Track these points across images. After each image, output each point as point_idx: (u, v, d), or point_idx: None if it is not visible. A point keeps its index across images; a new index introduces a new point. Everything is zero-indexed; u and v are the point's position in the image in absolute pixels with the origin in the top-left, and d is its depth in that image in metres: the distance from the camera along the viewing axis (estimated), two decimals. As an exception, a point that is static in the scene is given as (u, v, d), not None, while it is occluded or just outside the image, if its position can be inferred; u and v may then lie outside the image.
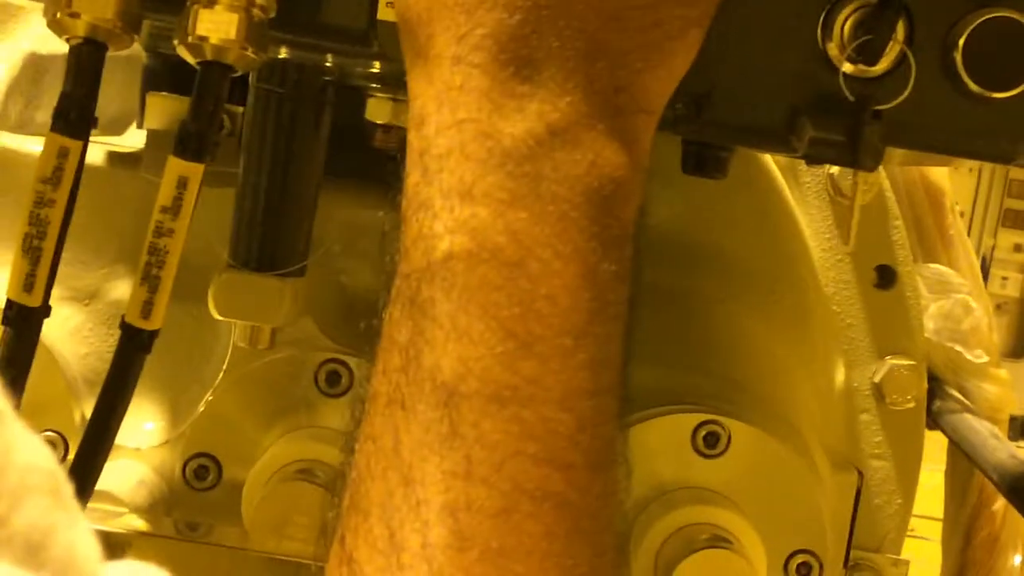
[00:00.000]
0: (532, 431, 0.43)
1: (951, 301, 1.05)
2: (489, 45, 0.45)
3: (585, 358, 0.44)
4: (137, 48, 0.87)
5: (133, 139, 0.89)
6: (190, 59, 0.53)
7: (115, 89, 0.94)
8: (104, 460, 0.55)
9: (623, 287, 0.46)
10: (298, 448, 0.72)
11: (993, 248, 6.51)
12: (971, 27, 0.61)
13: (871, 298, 1.00)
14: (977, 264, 1.08)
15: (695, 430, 0.76)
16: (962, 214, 6.56)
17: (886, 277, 1.00)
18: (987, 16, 0.61)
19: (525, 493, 0.43)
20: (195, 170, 0.53)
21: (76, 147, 0.53)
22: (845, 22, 0.61)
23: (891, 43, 0.60)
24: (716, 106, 0.62)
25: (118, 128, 0.93)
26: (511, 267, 0.43)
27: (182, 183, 0.53)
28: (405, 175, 0.46)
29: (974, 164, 6.55)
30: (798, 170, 1.00)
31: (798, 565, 0.76)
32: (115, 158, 0.80)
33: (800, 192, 1.01)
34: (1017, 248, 6.52)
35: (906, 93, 0.59)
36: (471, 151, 0.44)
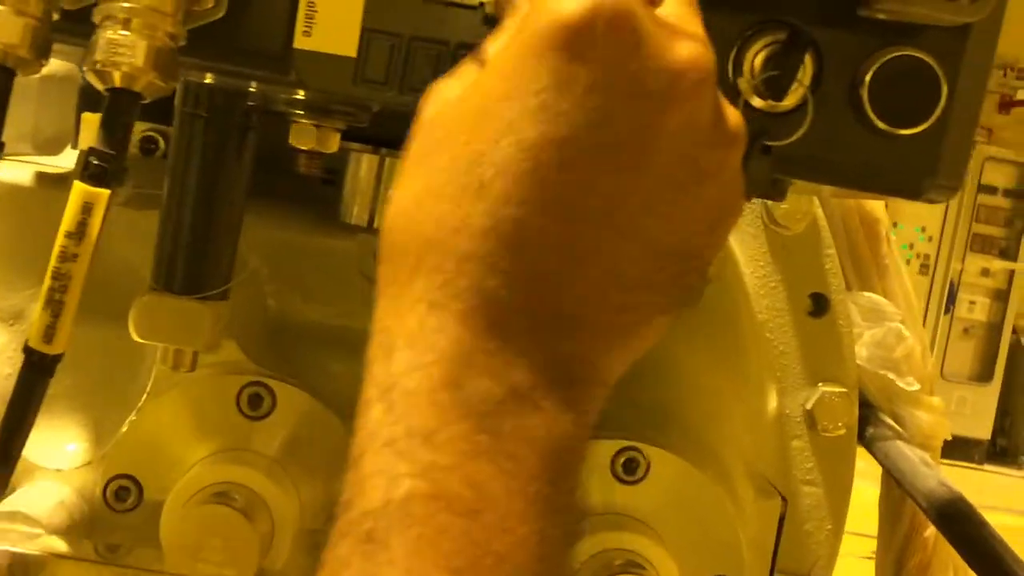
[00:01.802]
0: None
1: (884, 329, 1.06)
2: (468, 298, 0.46)
3: None
4: (74, 68, 0.88)
5: (70, 159, 0.89)
6: (98, 85, 0.54)
7: (53, 110, 0.95)
8: (5, 483, 0.55)
9: (567, 552, 0.46)
10: (217, 471, 0.73)
11: (961, 272, 6.55)
12: (877, 65, 0.62)
13: (804, 326, 1.01)
14: (912, 293, 1.09)
15: (615, 456, 0.76)
16: (931, 239, 6.60)
17: (819, 305, 1.01)
18: (893, 55, 0.62)
19: None
20: (100, 196, 0.54)
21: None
22: (755, 57, 0.62)
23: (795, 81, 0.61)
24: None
25: (55, 148, 0.93)
26: (467, 518, 0.43)
27: (87, 208, 0.54)
28: (363, 403, 0.47)
29: (942, 188, 6.56)
30: (732, 195, 1.01)
31: (715, 591, 0.77)
32: (44, 178, 0.80)
33: (734, 219, 1.01)
34: (984, 272, 6.56)
35: (802, 131, 0.61)
36: (438, 398, 0.44)
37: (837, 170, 0.64)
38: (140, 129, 0.85)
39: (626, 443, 0.77)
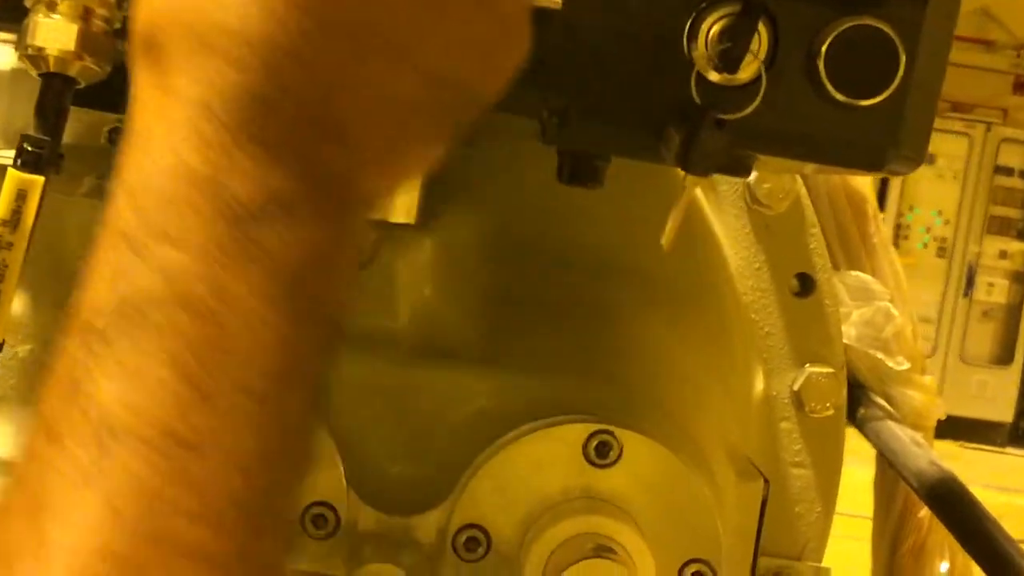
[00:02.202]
0: (193, 485, 0.41)
1: (872, 308, 1.05)
2: (236, 98, 0.44)
3: (268, 422, 0.43)
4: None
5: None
6: (31, 70, 0.53)
7: (25, 102, 0.94)
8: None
9: (319, 363, 0.45)
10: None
11: (979, 255, 6.52)
12: (833, 35, 0.61)
13: (790, 306, 1.00)
14: (901, 271, 1.07)
15: (587, 440, 0.76)
16: (947, 222, 6.57)
17: (804, 285, 1.00)
18: (849, 24, 0.61)
19: (173, 550, 0.40)
20: (35, 183, 0.53)
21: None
22: (710, 29, 0.61)
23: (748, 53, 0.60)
24: (578, 117, 0.62)
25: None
26: (205, 319, 0.42)
27: (21, 196, 0.53)
28: (111, 197, 0.44)
29: (958, 171, 6.56)
30: (715, 178, 1.00)
31: (692, 574, 0.76)
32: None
33: (717, 199, 1.01)
34: (1003, 255, 6.53)
35: (754, 104, 0.59)
36: (190, 196, 0.43)
37: (796, 143, 0.63)
38: (110, 119, 0.84)
39: (598, 426, 0.76)
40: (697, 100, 0.60)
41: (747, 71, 0.61)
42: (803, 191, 1.00)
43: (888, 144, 0.63)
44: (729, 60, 0.60)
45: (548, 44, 0.60)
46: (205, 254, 0.42)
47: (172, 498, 0.40)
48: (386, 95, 0.47)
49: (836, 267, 1.07)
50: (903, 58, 0.61)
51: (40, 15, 0.52)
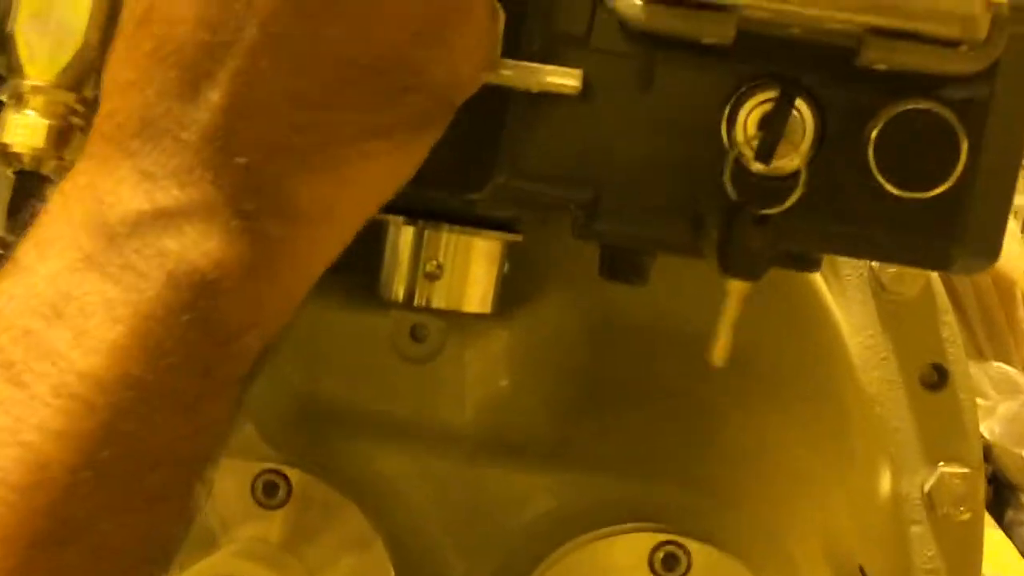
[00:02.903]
0: None
1: (1019, 402, 0.97)
2: (122, 117, 0.44)
3: (80, 429, 0.41)
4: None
5: None
6: (3, 168, 0.52)
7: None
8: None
9: (181, 380, 0.43)
10: (220, 564, 0.69)
11: None
12: (884, 121, 0.55)
13: (920, 400, 0.93)
14: (1054, 361, 0.99)
15: (653, 551, 0.70)
16: None
17: (937, 376, 0.93)
18: (902, 108, 0.55)
19: None
20: None
21: None
22: (749, 115, 0.56)
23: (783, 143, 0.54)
24: (608, 211, 0.58)
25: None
26: (46, 322, 0.41)
27: None
28: None
29: None
30: (836, 262, 0.94)
31: None
32: None
33: (839, 285, 0.94)
34: None
35: (793, 198, 0.54)
36: (70, 206, 0.43)
37: (847, 240, 0.58)
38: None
39: (666, 536, 0.70)
40: (732, 194, 0.55)
41: (787, 161, 0.55)
42: (935, 275, 0.92)
43: (952, 241, 0.57)
44: (764, 149, 0.55)
45: (569, 132, 0.56)
46: (69, 263, 0.42)
47: None
48: (291, 89, 0.44)
49: (981, 356, 0.99)
50: (964, 144, 0.55)
51: (11, 111, 0.51)
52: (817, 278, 0.91)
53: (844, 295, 0.94)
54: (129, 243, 0.42)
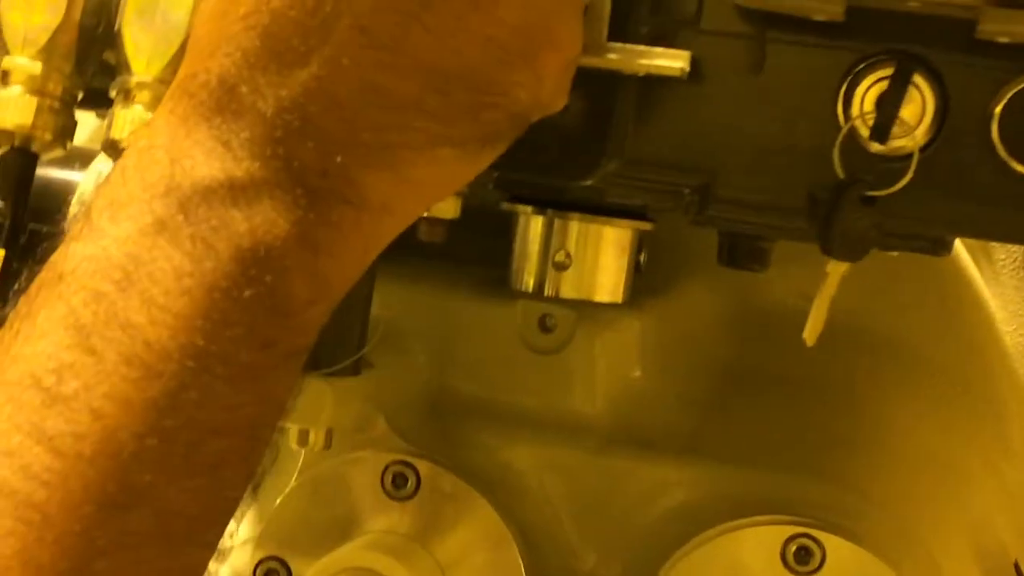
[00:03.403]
0: (42, 438, 0.41)
1: None
2: (204, 78, 0.44)
3: (144, 397, 0.42)
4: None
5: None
6: None
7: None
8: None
9: (244, 352, 0.43)
10: (351, 557, 0.70)
11: None
12: (1009, 96, 0.53)
13: (1081, 387, 0.89)
14: None
15: (786, 543, 0.69)
16: None
17: (1100, 363, 0.89)
18: (1027, 83, 0.52)
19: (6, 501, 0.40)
20: None
21: None
22: (865, 94, 0.54)
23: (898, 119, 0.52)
24: (722, 194, 0.56)
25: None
26: (116, 288, 0.42)
27: None
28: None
29: None
30: (990, 246, 0.90)
31: None
32: None
33: (992, 270, 0.91)
34: None
35: (906, 178, 0.52)
36: (146, 172, 0.43)
37: (975, 221, 0.55)
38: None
39: (799, 529, 0.68)
40: (840, 173, 0.53)
41: (907, 140, 0.54)
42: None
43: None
44: (879, 128, 0.53)
45: (681, 116, 0.55)
46: (140, 227, 0.42)
47: (27, 449, 0.40)
48: (375, 89, 0.45)
49: None
50: (1094, 119, 0.52)
51: (119, 107, 0.52)
52: (968, 263, 0.88)
53: (997, 280, 0.91)
54: (199, 212, 0.43)
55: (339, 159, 0.44)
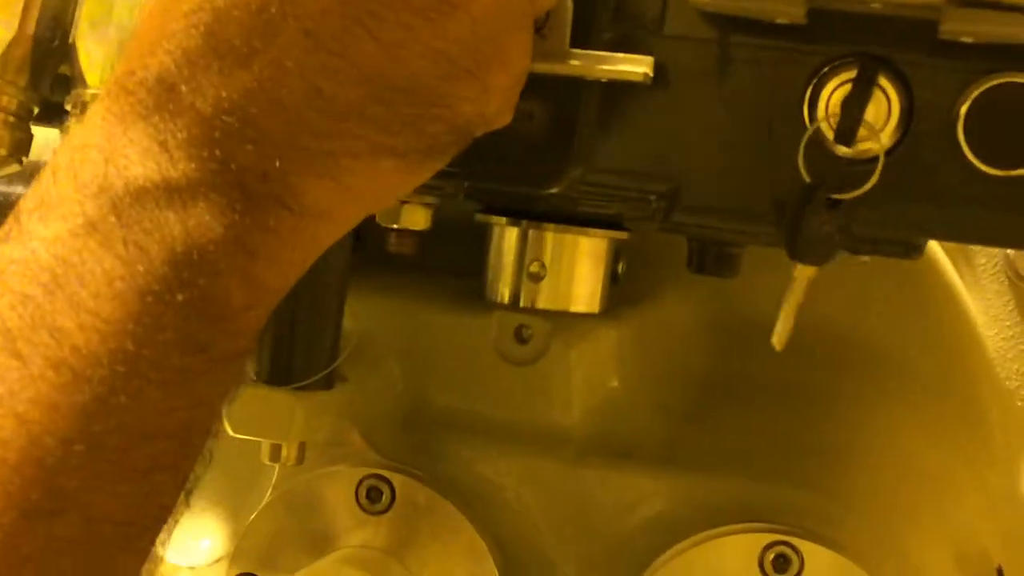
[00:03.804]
0: None
1: None
2: (142, 75, 0.44)
3: (68, 401, 0.41)
4: None
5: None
6: None
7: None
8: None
9: (176, 356, 0.43)
10: (326, 572, 0.69)
11: None
12: (973, 96, 0.52)
13: (1067, 391, 0.88)
14: None
15: (764, 551, 0.68)
16: None
17: (1082, 367, 0.89)
18: (994, 83, 0.52)
19: None
20: None
21: None
22: (830, 96, 0.54)
23: (863, 122, 0.52)
24: (688, 200, 0.56)
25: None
26: (44, 290, 0.41)
27: None
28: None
29: None
30: (970, 250, 0.90)
31: None
32: None
33: (973, 275, 0.91)
34: None
35: (871, 181, 0.51)
36: (80, 171, 0.43)
37: (939, 222, 0.55)
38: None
39: (777, 536, 0.68)
40: (805, 177, 0.53)
41: (872, 143, 0.53)
42: (1075, 258, 0.88)
43: (1051, 219, 0.53)
44: (844, 131, 0.52)
45: (646, 122, 0.55)
46: (71, 228, 0.42)
47: None
48: (318, 95, 0.44)
49: None
50: (1061, 118, 0.51)
51: (75, 120, 0.51)
52: (947, 266, 0.88)
53: (978, 285, 0.90)
54: (132, 213, 0.42)
55: (278, 163, 0.44)
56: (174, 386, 0.43)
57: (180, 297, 0.42)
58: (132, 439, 0.42)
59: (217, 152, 0.43)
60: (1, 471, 0.40)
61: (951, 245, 0.88)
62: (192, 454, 0.45)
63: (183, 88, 0.43)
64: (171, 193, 0.42)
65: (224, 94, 0.43)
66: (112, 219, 0.42)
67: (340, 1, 0.43)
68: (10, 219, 0.43)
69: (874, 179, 0.51)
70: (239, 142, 0.43)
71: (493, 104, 0.49)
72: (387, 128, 0.45)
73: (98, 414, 0.41)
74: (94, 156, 0.43)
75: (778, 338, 0.55)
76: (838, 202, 0.52)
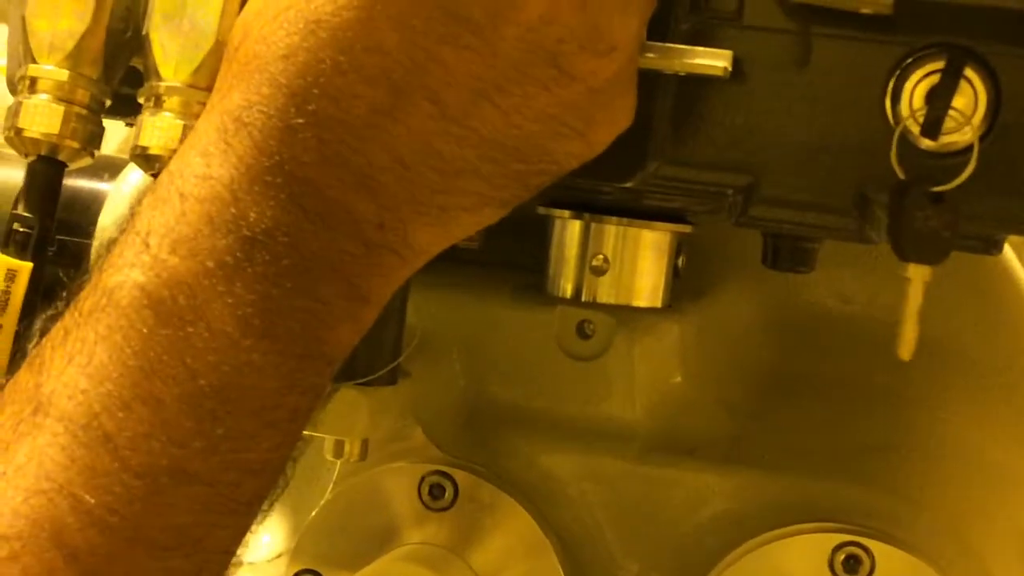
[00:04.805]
0: (97, 485, 0.41)
1: None
2: (271, 125, 0.44)
3: (192, 441, 0.42)
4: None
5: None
6: (19, 151, 0.52)
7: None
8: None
9: (290, 398, 0.45)
10: (388, 569, 0.69)
11: None
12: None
13: None
14: None
15: (834, 551, 0.67)
16: None
17: None
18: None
19: (51, 540, 0.40)
20: (23, 267, 0.52)
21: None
22: (914, 89, 0.52)
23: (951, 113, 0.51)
24: (767, 194, 0.55)
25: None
26: (170, 326, 0.42)
27: (10, 276, 0.52)
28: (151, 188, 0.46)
29: None
30: (1033, 241, 0.88)
31: None
32: None
33: (1038, 266, 0.89)
34: None
35: (965, 174, 0.50)
36: (206, 208, 0.43)
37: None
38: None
39: (847, 537, 0.67)
40: (900, 173, 0.52)
41: (959, 135, 0.52)
42: None
43: None
44: (931, 123, 0.51)
45: (724, 115, 0.54)
46: (198, 265, 0.43)
47: (69, 491, 0.41)
48: (434, 153, 0.46)
49: None
50: None
51: (147, 113, 0.50)
52: (1014, 263, 0.86)
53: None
54: (258, 258, 0.44)
55: (394, 215, 0.46)
56: (283, 424, 0.45)
57: (299, 350, 0.44)
58: (243, 476, 0.44)
59: (336, 205, 0.44)
60: (128, 510, 0.41)
61: (1015, 238, 0.86)
62: (282, 482, 0.48)
63: (308, 139, 0.44)
64: (293, 242, 0.44)
65: (347, 146, 0.45)
66: (241, 257, 0.43)
67: (468, 75, 0.45)
68: (132, 236, 0.44)
69: (970, 168, 0.50)
70: (359, 194, 0.45)
71: (595, 153, 0.51)
72: (496, 184, 0.48)
73: (216, 450, 0.43)
74: (221, 193, 0.44)
75: (905, 347, 0.53)
76: (940, 196, 0.50)
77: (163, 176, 0.45)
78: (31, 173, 0.52)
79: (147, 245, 0.43)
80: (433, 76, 0.45)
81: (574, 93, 0.47)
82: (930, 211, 0.51)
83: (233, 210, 0.43)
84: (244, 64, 0.45)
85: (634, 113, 0.51)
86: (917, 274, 0.52)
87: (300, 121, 0.44)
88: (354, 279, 0.46)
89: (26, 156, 0.52)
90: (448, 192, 0.47)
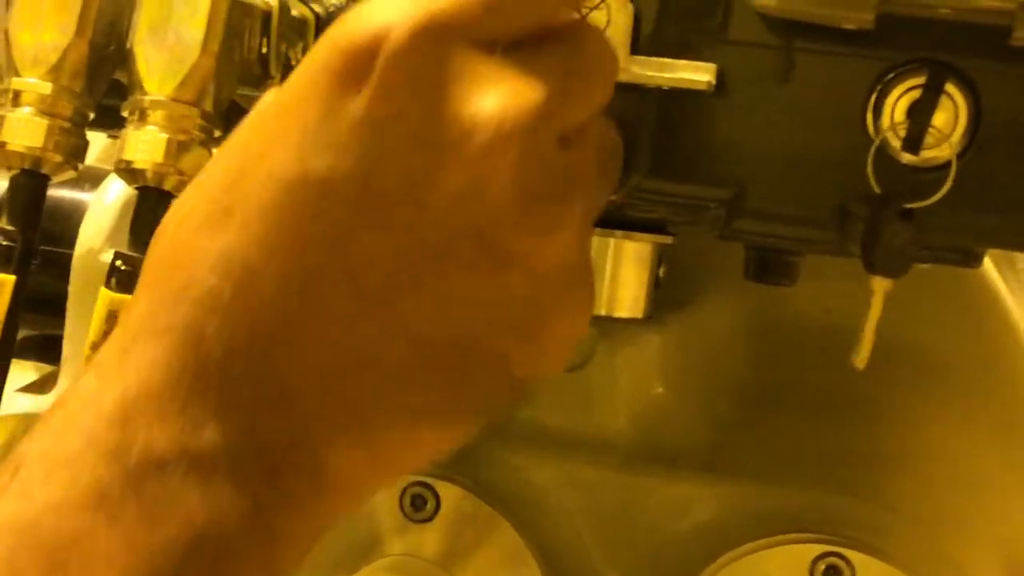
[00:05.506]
0: None
1: None
2: (176, 336, 0.38)
3: None
4: None
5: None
6: (2, 165, 0.52)
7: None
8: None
9: None
10: (371, 580, 0.69)
11: None
12: (1044, 102, 0.51)
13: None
14: None
15: (814, 562, 0.67)
16: None
17: None
18: (1064, 89, 0.51)
19: None
20: (6, 280, 0.52)
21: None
22: (896, 103, 0.53)
23: (930, 129, 0.51)
24: (750, 207, 0.55)
25: None
26: (51, 567, 0.36)
27: None
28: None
29: None
30: (1013, 256, 0.89)
31: None
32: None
33: (1017, 279, 0.90)
34: None
35: (943, 190, 0.50)
36: (95, 434, 0.38)
37: (1003, 231, 0.54)
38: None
39: (828, 547, 0.67)
40: (876, 187, 0.52)
41: (939, 150, 0.52)
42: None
43: None
44: (912, 138, 0.52)
45: (708, 128, 0.54)
46: (81, 497, 0.37)
47: None
48: (358, 359, 0.39)
49: None
50: None
51: (132, 127, 0.50)
52: (992, 273, 0.87)
53: (1023, 290, 0.89)
54: (148, 486, 0.37)
55: (305, 432, 0.39)
56: None
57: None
58: None
59: (242, 420, 0.38)
60: None
61: (995, 251, 0.87)
62: None
63: (211, 346, 0.38)
64: (192, 465, 0.38)
65: (255, 352, 0.39)
66: (127, 492, 0.37)
67: (392, 255, 0.39)
68: (11, 461, 0.38)
69: (948, 184, 0.50)
70: (266, 408, 0.39)
71: (549, 358, 0.43)
72: (444, 390, 0.41)
73: None
74: (109, 410, 0.38)
75: (861, 357, 0.54)
76: (911, 212, 0.51)
77: (69, 391, 0.40)
78: (14, 186, 0.52)
79: (29, 473, 0.38)
80: (351, 256, 0.39)
81: (513, 280, 0.40)
82: (898, 226, 0.51)
83: (119, 434, 0.38)
84: (156, 269, 0.41)
85: (593, 306, 0.45)
86: (880, 286, 0.52)
87: (209, 327, 0.38)
88: (260, 511, 0.39)
89: (9, 169, 0.52)
90: (378, 404, 0.40)
